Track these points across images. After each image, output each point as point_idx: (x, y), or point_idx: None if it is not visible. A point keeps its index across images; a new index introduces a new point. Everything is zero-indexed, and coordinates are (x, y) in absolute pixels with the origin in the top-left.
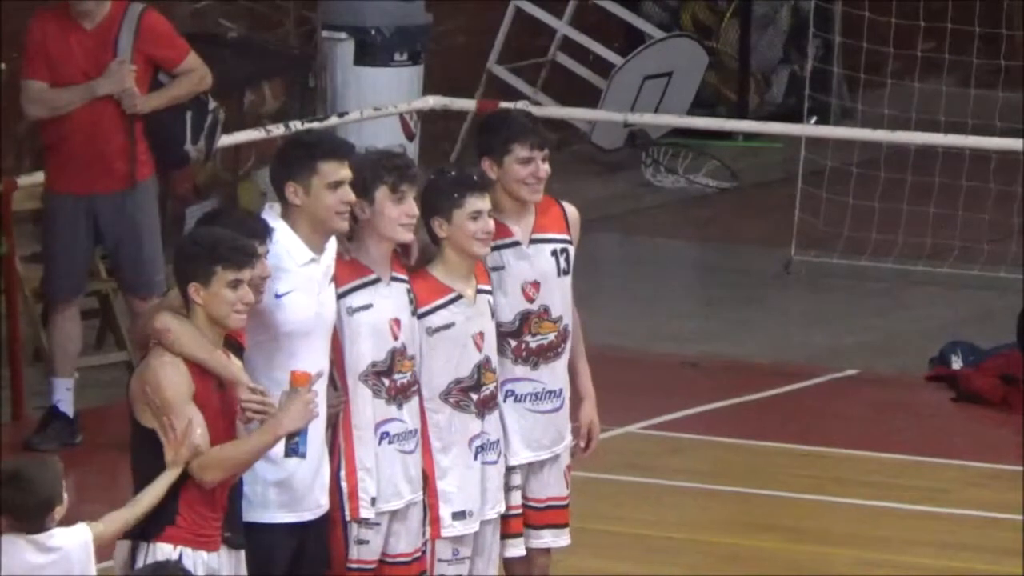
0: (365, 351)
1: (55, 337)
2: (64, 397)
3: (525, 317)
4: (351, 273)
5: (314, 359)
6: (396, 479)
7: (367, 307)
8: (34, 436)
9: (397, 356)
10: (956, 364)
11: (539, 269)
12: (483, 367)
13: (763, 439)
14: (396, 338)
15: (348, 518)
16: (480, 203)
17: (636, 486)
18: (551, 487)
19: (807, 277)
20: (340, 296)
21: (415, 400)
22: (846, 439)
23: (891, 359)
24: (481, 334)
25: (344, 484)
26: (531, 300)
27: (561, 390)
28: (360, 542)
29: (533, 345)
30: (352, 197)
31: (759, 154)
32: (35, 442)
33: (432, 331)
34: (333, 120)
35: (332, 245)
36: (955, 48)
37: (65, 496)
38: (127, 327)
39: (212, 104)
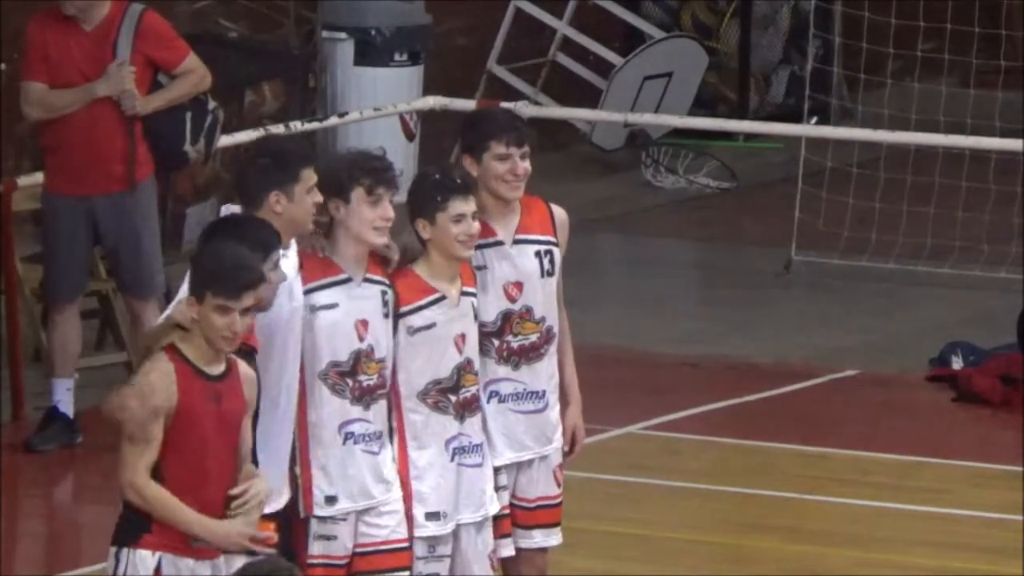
0: (323, 350)
1: (55, 337)
2: (64, 398)
3: (507, 317)
4: (321, 271)
5: (290, 354)
6: (364, 479)
7: (332, 306)
8: (34, 436)
9: (362, 358)
10: (956, 364)
11: (521, 269)
12: (463, 369)
13: (763, 439)
14: (362, 340)
15: (303, 514)
16: (463, 206)
17: (636, 486)
18: (540, 486)
19: (807, 277)
20: (305, 292)
21: (383, 402)
22: (846, 439)
23: (891, 359)
24: (463, 336)
25: (300, 480)
26: (513, 300)
27: (544, 391)
28: (325, 538)
29: (515, 345)
30: (320, 198)
31: (759, 154)
32: (35, 443)
33: (413, 331)
34: (333, 120)
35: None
36: (955, 48)
37: None
38: (127, 327)
39: (212, 104)
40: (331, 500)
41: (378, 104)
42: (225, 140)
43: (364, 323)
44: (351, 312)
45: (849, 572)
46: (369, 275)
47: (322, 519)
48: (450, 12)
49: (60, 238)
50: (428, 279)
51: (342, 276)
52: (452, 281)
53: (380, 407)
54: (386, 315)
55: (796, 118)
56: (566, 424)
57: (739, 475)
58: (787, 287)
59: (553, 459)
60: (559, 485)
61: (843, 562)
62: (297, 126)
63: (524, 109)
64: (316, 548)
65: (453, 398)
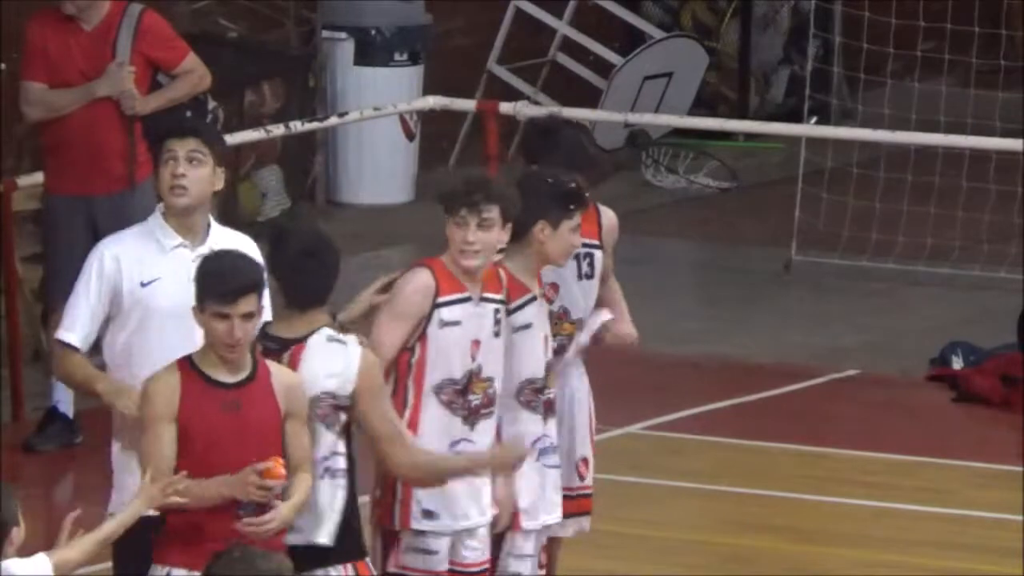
0: (442, 366)
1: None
2: (64, 397)
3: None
4: (450, 287)
5: (189, 344)
6: (463, 499)
7: (455, 323)
8: (34, 436)
9: (473, 377)
10: (956, 364)
11: (558, 271)
12: (549, 369)
13: (763, 439)
14: (473, 359)
15: (398, 527)
16: (580, 219)
17: (636, 486)
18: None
19: (807, 277)
20: (435, 307)
21: (488, 422)
22: (846, 439)
23: (891, 359)
24: (546, 336)
25: (399, 491)
26: (550, 302)
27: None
28: (425, 551)
29: (554, 346)
30: (179, 170)
31: (759, 154)
32: (35, 442)
33: (514, 329)
34: (333, 120)
35: (222, 234)
36: (955, 48)
37: (21, 521)
38: None
39: (212, 104)
40: (429, 514)
41: (378, 104)
42: (225, 140)
43: (477, 343)
44: (469, 331)
45: (849, 572)
46: (485, 294)
47: (419, 532)
48: (450, 12)
49: (60, 238)
50: (521, 277)
51: (464, 294)
52: (534, 281)
53: (485, 427)
54: (496, 334)
55: (796, 118)
56: (624, 331)
57: (739, 475)
58: (787, 287)
59: (578, 452)
60: (582, 478)
61: (843, 562)
62: (297, 126)
63: (524, 109)
64: (414, 561)
65: (542, 397)
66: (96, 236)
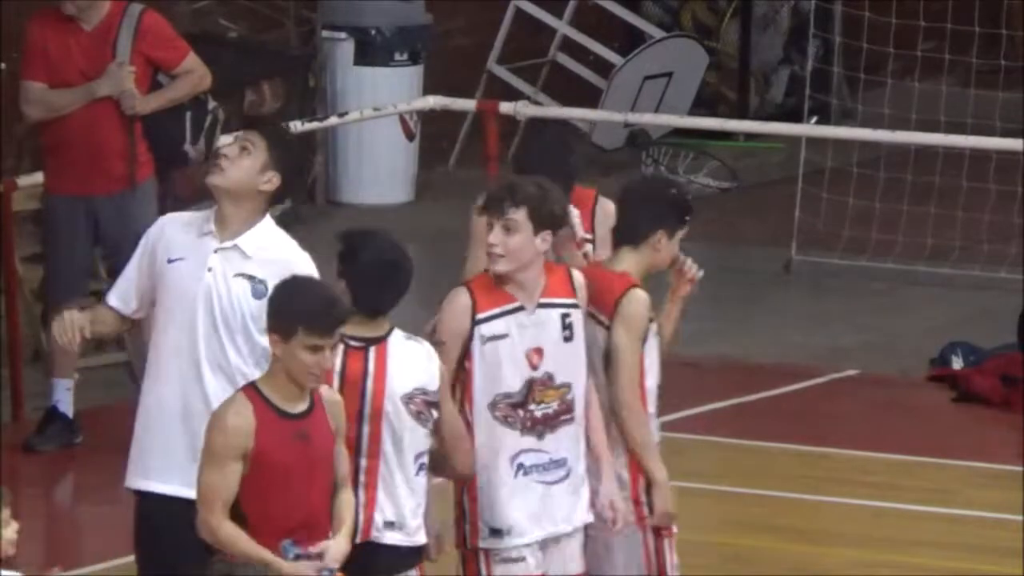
0: (494, 381)
1: (55, 338)
2: (64, 397)
3: None
4: (491, 301)
5: (186, 331)
6: (535, 510)
7: (502, 336)
8: (34, 436)
9: (536, 387)
10: (956, 364)
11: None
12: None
13: (764, 439)
14: (535, 368)
15: (468, 545)
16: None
17: None
18: None
19: (807, 277)
20: (476, 323)
21: (565, 429)
22: (846, 439)
23: (891, 359)
24: None
25: (467, 510)
26: None
27: None
28: (514, 560)
29: None
30: (224, 150)
31: (759, 154)
32: (35, 443)
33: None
34: (333, 120)
35: (267, 238)
36: (955, 48)
37: (13, 523)
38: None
39: (212, 104)
40: (496, 533)
41: (378, 104)
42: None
43: (538, 351)
44: (523, 341)
45: (849, 572)
46: (545, 299)
47: (495, 549)
48: (450, 12)
49: (60, 238)
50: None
51: (514, 304)
52: None
53: (560, 435)
54: (567, 338)
55: (796, 118)
56: None
57: (740, 475)
58: (787, 287)
59: None
60: None
61: (843, 562)
62: (297, 126)
63: (524, 109)
64: (506, 571)
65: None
66: (96, 236)
